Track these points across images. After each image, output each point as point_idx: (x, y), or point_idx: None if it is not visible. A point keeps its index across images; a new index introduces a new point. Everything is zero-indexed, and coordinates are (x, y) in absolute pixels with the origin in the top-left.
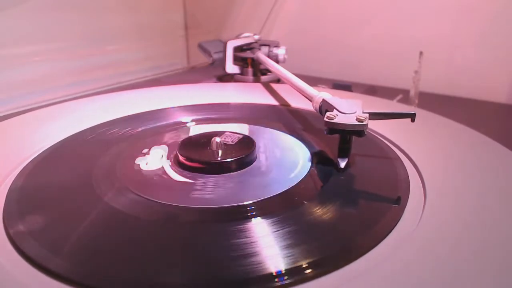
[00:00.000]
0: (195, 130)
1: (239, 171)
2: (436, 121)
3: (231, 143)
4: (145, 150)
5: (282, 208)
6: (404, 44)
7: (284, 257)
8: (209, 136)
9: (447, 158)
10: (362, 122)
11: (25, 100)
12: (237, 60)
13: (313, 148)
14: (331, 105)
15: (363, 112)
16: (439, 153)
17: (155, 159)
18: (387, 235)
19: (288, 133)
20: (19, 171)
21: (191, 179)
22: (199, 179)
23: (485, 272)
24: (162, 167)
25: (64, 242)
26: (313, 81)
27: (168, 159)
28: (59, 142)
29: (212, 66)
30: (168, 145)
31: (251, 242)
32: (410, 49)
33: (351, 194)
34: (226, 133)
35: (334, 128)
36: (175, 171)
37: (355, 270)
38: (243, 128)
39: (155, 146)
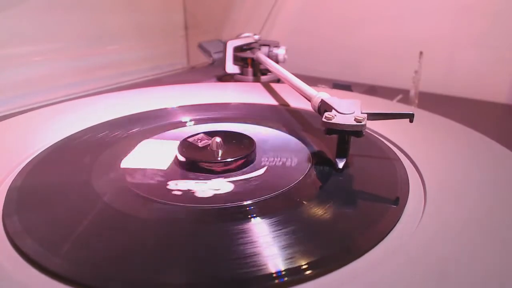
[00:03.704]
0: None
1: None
2: (436, 121)
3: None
4: (179, 193)
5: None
6: (404, 44)
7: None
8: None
9: (447, 158)
10: (360, 122)
11: (25, 100)
12: (237, 60)
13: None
14: (329, 105)
15: (362, 113)
16: (439, 153)
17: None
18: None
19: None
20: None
21: (190, 179)
22: (200, 179)
23: (485, 272)
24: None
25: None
26: (313, 81)
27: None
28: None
29: (212, 66)
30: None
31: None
32: (410, 49)
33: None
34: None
35: (332, 128)
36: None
37: (355, 270)
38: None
39: (172, 183)
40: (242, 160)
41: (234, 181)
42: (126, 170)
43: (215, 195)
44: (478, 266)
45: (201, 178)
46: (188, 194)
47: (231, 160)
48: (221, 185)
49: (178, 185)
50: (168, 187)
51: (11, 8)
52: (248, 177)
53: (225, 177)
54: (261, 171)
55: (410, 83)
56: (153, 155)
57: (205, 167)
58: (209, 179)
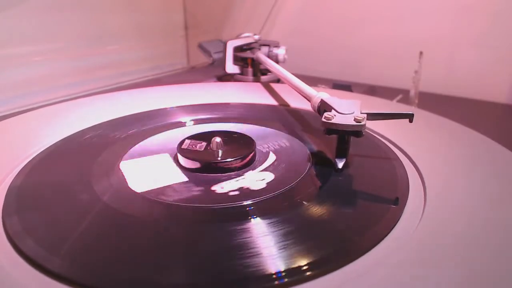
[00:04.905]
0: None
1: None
2: (436, 121)
3: (198, 149)
4: (222, 190)
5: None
6: (404, 44)
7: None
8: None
9: (447, 158)
10: (360, 122)
11: (25, 100)
12: (237, 60)
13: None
14: (329, 105)
15: (361, 113)
16: (439, 153)
17: None
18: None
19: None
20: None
21: (190, 179)
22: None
23: (485, 272)
24: None
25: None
26: (313, 81)
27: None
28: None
29: (212, 66)
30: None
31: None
32: (410, 49)
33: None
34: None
35: (331, 129)
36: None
37: (355, 270)
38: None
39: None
40: (250, 156)
41: (263, 170)
42: (148, 193)
43: (267, 184)
44: (478, 266)
45: (233, 176)
46: (243, 191)
47: (241, 157)
48: (262, 176)
49: (224, 188)
50: (216, 191)
51: (11, 8)
52: (261, 169)
53: (246, 172)
54: (271, 163)
55: (410, 83)
56: (152, 172)
57: (224, 166)
58: (237, 176)
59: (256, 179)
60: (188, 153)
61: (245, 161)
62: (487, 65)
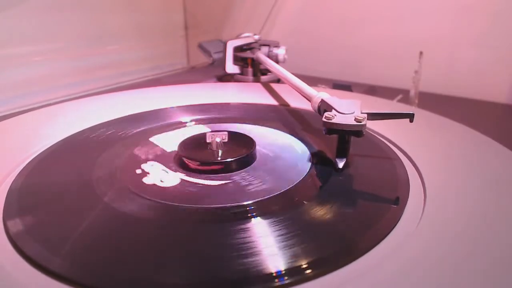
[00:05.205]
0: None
1: (239, 171)
2: (436, 121)
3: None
4: (139, 171)
5: (282, 208)
6: (404, 44)
7: (284, 257)
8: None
9: (447, 158)
10: (360, 122)
11: (25, 100)
12: (237, 60)
13: (313, 148)
14: (329, 105)
15: (362, 112)
16: (439, 153)
17: (161, 173)
18: (387, 235)
19: (287, 133)
20: (19, 171)
21: (163, 155)
22: (164, 157)
23: (485, 272)
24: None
25: (64, 242)
26: (313, 81)
27: (173, 170)
28: (59, 142)
29: (212, 66)
30: (156, 160)
31: (251, 242)
32: (410, 49)
33: (351, 194)
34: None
35: (332, 128)
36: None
37: (355, 270)
38: (243, 128)
39: (147, 164)
40: (217, 166)
41: (190, 181)
42: (151, 143)
43: (154, 184)
44: (478, 266)
45: (173, 169)
46: (138, 176)
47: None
48: (170, 179)
49: (152, 166)
50: (143, 164)
51: (11, 8)
52: (217, 183)
53: (189, 175)
54: (226, 181)
55: (410, 83)
56: (176, 137)
57: (185, 162)
58: (176, 171)
59: (160, 177)
60: (190, 140)
61: (204, 167)
62: (487, 65)
